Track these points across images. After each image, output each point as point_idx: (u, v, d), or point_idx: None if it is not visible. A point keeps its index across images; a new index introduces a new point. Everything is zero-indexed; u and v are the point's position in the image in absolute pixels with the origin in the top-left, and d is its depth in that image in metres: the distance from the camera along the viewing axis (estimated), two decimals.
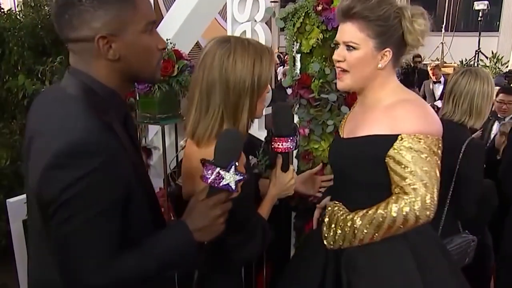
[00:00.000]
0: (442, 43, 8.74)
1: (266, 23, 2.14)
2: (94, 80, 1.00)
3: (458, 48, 9.17)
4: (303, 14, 1.88)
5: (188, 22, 2.61)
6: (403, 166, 1.21)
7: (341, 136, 1.45)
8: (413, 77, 7.59)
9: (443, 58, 8.60)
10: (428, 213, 1.21)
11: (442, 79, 6.30)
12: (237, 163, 1.08)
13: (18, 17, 2.86)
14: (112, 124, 0.99)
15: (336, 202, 1.38)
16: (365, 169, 1.32)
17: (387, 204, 1.24)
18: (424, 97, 5.96)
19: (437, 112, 1.74)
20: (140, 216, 1.04)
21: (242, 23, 2.11)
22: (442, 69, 6.94)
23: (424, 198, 1.20)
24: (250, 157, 1.82)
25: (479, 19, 8.94)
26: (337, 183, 1.49)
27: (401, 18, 1.24)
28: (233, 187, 1.06)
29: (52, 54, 2.58)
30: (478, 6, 8.80)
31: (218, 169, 1.05)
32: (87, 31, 0.95)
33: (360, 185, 1.34)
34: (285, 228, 2.17)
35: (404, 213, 1.21)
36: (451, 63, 8.75)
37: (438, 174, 1.23)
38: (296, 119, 2.06)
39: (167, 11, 3.04)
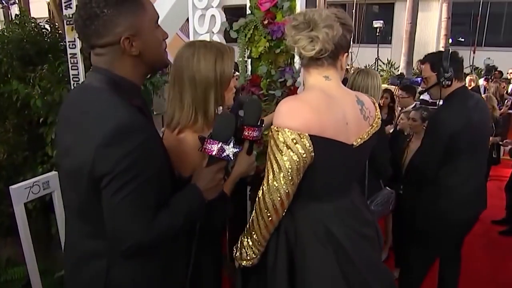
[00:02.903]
0: (350, 52, 9.51)
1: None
2: (115, 74, 1.01)
3: (363, 56, 9.86)
4: (253, 27, 2.00)
5: None
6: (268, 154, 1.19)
7: None
8: None
9: (351, 64, 9.42)
10: (278, 195, 1.18)
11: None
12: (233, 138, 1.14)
13: (5, 33, 2.90)
14: (142, 108, 1.03)
15: None
16: None
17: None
18: None
19: None
20: (165, 182, 1.07)
21: (201, 34, 2.19)
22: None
23: (272, 182, 1.18)
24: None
25: (377, 34, 9.77)
26: None
27: None
28: (232, 157, 1.14)
29: (38, 63, 2.60)
30: (376, 24, 9.74)
31: (220, 143, 1.12)
32: (113, 36, 0.98)
33: None
34: (243, 198, 2.39)
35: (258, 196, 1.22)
36: (358, 68, 9.51)
37: (289, 165, 1.15)
38: None
39: None
